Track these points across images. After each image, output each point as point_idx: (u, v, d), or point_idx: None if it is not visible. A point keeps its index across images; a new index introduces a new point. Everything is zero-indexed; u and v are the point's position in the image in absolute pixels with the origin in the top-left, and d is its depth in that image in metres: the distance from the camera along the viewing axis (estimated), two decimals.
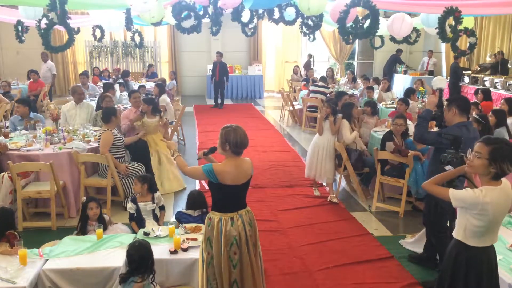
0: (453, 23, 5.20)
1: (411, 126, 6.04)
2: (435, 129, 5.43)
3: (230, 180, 2.94)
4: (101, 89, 9.04)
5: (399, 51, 14.15)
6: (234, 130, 2.95)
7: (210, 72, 13.25)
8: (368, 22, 5.02)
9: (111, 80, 10.96)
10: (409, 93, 8.11)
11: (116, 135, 5.29)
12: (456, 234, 2.66)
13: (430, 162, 4.03)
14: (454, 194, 2.59)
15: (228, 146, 2.95)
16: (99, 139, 5.24)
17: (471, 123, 3.79)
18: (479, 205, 2.49)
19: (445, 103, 3.93)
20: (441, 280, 2.79)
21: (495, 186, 2.53)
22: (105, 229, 3.97)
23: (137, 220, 4.22)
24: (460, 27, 5.28)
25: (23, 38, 6.76)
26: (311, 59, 14.00)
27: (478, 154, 2.53)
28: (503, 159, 2.46)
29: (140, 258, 3.01)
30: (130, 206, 4.25)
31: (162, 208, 4.44)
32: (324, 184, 6.12)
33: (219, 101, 12.83)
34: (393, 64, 14.54)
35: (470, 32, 5.42)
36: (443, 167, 2.92)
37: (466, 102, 3.82)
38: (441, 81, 6.01)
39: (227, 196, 3.02)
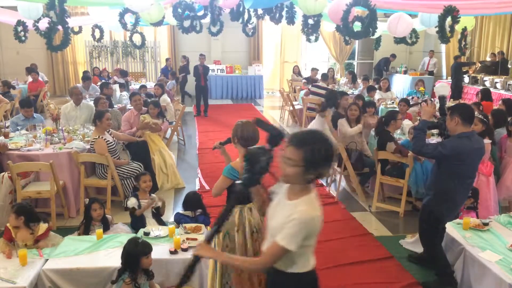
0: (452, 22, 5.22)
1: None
2: (433, 139, 5.43)
3: None
4: None
5: (393, 56, 14.25)
6: (241, 125, 3.17)
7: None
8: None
9: (111, 81, 10.94)
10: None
11: (108, 140, 5.23)
12: None
13: (432, 171, 3.89)
14: None
15: (236, 139, 3.14)
16: (92, 145, 5.19)
17: (474, 133, 3.62)
18: None
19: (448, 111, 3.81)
20: None
21: None
22: (107, 229, 3.98)
23: (138, 219, 4.20)
24: (461, 27, 5.30)
25: (23, 38, 6.74)
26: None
27: None
28: None
29: (128, 255, 2.98)
30: (133, 201, 4.14)
31: (158, 210, 4.40)
32: (325, 184, 6.11)
33: (204, 108, 11.57)
34: (383, 65, 14.61)
35: (467, 32, 5.50)
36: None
37: (469, 111, 3.60)
38: (444, 88, 5.86)
39: None
